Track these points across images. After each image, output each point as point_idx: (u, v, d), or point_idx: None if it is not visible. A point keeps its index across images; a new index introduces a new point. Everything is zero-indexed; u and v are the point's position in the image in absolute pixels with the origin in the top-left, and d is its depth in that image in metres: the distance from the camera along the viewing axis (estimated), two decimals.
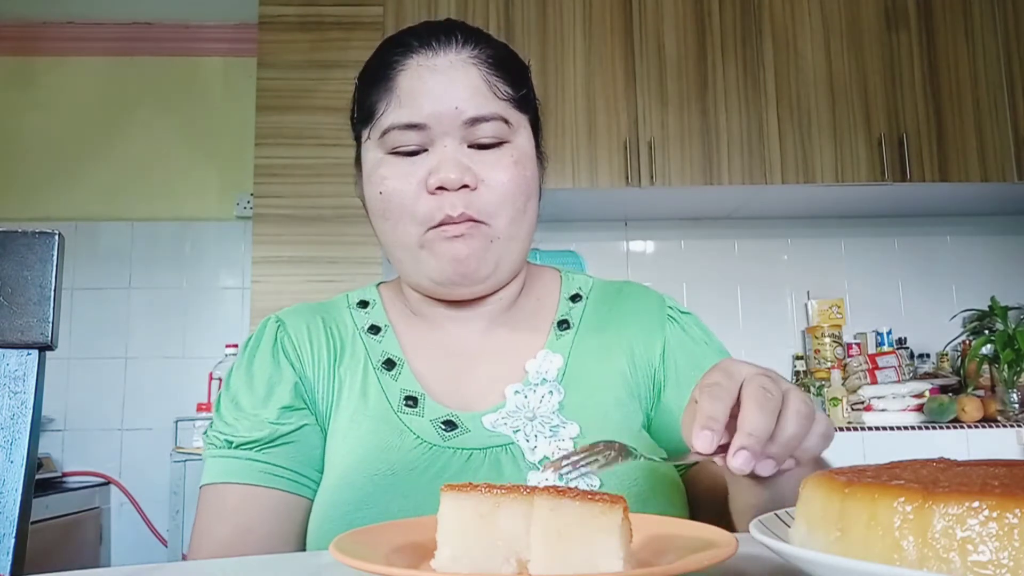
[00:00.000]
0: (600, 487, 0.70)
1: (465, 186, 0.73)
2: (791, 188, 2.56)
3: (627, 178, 2.50)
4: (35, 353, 0.76)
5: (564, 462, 0.55)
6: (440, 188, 0.73)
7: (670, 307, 0.84)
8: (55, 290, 0.76)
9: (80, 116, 2.93)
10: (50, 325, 0.76)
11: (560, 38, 2.57)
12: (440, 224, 0.74)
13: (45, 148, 2.91)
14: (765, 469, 0.52)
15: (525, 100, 0.80)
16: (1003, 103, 2.58)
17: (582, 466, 0.55)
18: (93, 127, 2.93)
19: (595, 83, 2.54)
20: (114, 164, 2.92)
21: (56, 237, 0.77)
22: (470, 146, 0.75)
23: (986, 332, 2.52)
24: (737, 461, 0.50)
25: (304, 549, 0.74)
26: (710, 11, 2.61)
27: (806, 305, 2.91)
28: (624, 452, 0.56)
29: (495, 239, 0.75)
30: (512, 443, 0.72)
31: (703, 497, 0.76)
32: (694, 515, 0.78)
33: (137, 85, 2.96)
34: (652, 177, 2.51)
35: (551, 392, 0.76)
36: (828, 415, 2.46)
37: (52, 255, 0.77)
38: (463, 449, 0.72)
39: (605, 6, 2.59)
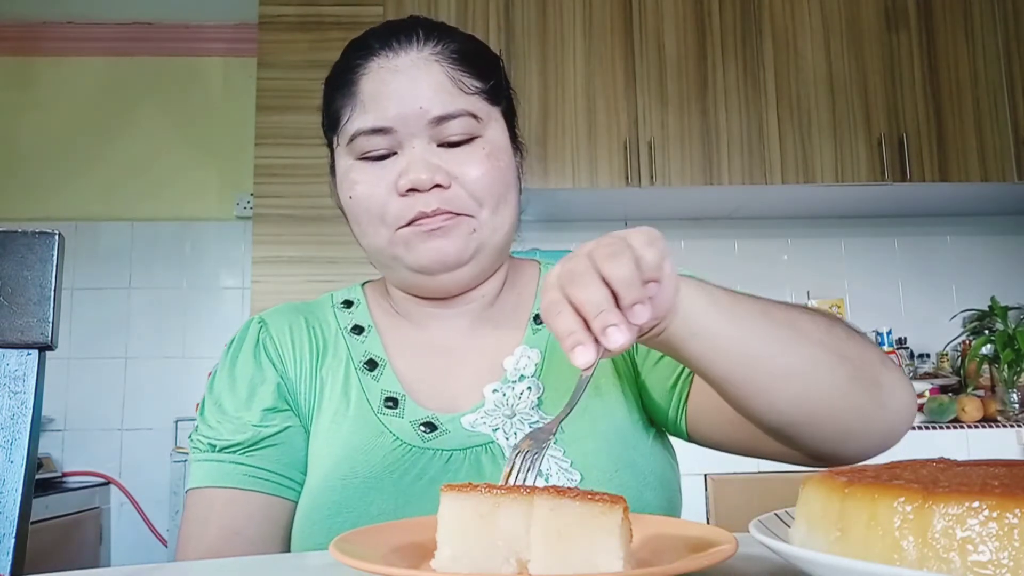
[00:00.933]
0: (581, 481, 0.69)
1: (438, 185, 0.72)
2: (791, 188, 2.56)
3: (627, 178, 2.50)
4: (35, 353, 0.76)
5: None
6: (411, 190, 0.72)
7: None
8: (55, 290, 0.76)
9: (80, 116, 2.93)
10: (50, 325, 0.76)
11: (560, 38, 2.57)
12: (412, 221, 0.72)
13: (45, 148, 2.91)
14: (641, 316, 0.49)
15: (495, 91, 0.77)
16: (1003, 103, 2.58)
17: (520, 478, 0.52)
18: (93, 127, 2.93)
19: (595, 83, 2.54)
20: (114, 164, 2.91)
21: (56, 237, 0.77)
22: (440, 144, 0.73)
23: (986, 332, 2.52)
24: (611, 339, 0.47)
25: (289, 551, 0.73)
26: (710, 11, 2.61)
27: (806, 305, 2.91)
28: (535, 443, 0.52)
29: (476, 229, 0.74)
30: (492, 442, 0.72)
31: (717, 421, 0.72)
32: (728, 445, 0.73)
33: (137, 85, 2.96)
34: (652, 177, 2.51)
35: (529, 388, 0.75)
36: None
37: (52, 255, 0.77)
38: (443, 450, 0.71)
39: (605, 6, 2.59)
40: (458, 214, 0.73)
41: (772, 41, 2.59)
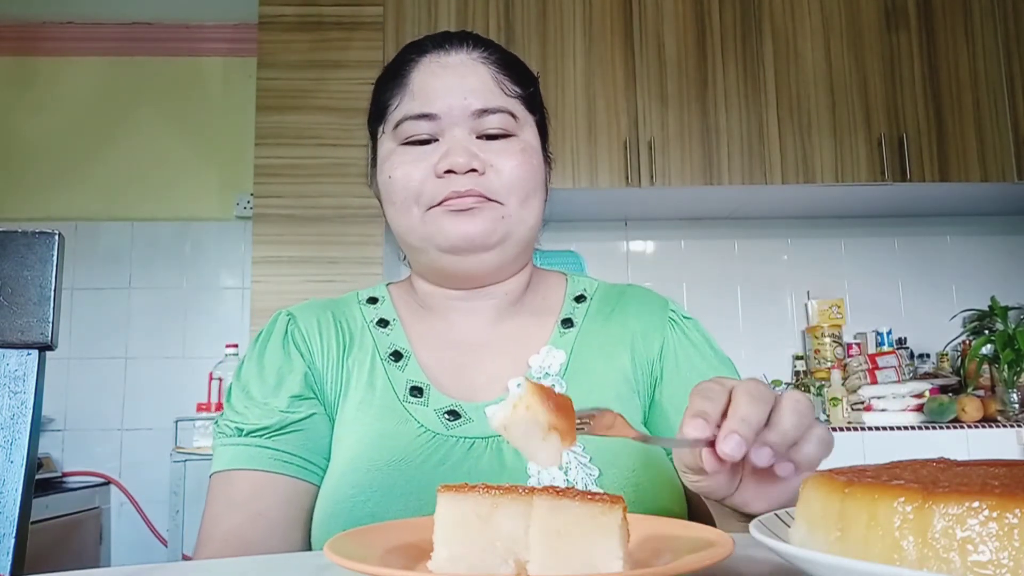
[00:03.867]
0: (599, 476, 0.70)
1: (473, 170, 0.76)
2: (791, 188, 2.56)
3: (627, 178, 2.50)
4: (35, 353, 0.76)
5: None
6: (448, 172, 0.76)
7: (672, 310, 0.86)
8: (55, 290, 0.76)
9: (80, 116, 2.93)
10: (50, 325, 0.76)
11: (560, 38, 2.57)
12: (445, 200, 0.76)
13: (45, 148, 2.91)
14: (761, 458, 0.50)
15: (531, 100, 0.84)
16: (1003, 103, 2.58)
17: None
18: (93, 127, 2.93)
19: (595, 83, 2.54)
20: (114, 164, 2.92)
21: (56, 237, 0.77)
22: (478, 137, 0.78)
23: (986, 332, 2.52)
24: (728, 444, 0.48)
25: (311, 537, 0.74)
26: (710, 11, 2.61)
27: (806, 305, 2.91)
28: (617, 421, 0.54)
29: (506, 216, 0.78)
30: None
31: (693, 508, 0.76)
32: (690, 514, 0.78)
33: (137, 85, 2.96)
34: (652, 177, 2.51)
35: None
36: (828, 417, 2.46)
37: (52, 255, 0.77)
38: (466, 438, 0.73)
39: (605, 6, 2.59)
40: (489, 199, 0.76)
41: (772, 41, 2.59)
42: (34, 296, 0.76)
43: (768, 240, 2.95)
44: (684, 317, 0.85)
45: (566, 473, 0.71)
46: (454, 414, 0.75)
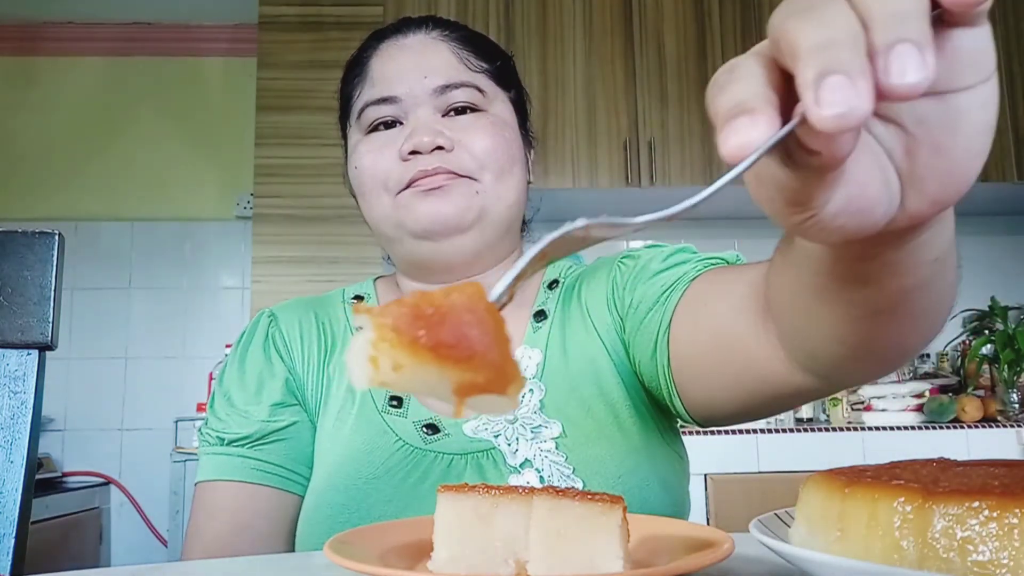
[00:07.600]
0: (583, 488, 0.68)
1: (440, 147, 0.73)
2: None
3: (627, 178, 2.50)
4: (35, 353, 0.76)
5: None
6: (413, 152, 0.73)
7: (621, 260, 0.77)
8: (55, 290, 0.76)
9: (80, 116, 2.93)
10: (50, 325, 0.76)
11: (560, 38, 2.57)
12: (413, 182, 0.73)
13: (45, 148, 2.91)
14: (910, 69, 0.25)
15: (501, 73, 0.80)
16: (1003, 103, 2.58)
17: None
18: (93, 127, 2.93)
19: (595, 83, 2.54)
20: (114, 164, 2.91)
21: (56, 237, 0.77)
22: (445, 115, 0.75)
23: (986, 332, 2.52)
24: (897, 62, 0.25)
25: (295, 546, 0.74)
26: (710, 11, 2.61)
27: None
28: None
29: (480, 191, 0.74)
30: (493, 448, 0.71)
31: (706, 387, 0.63)
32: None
33: (137, 85, 2.96)
34: (652, 177, 2.51)
35: (531, 391, 0.74)
36: (828, 417, 2.46)
37: (52, 255, 0.77)
38: (444, 454, 0.71)
39: (605, 6, 2.59)
40: (460, 175, 0.73)
41: None
42: (34, 296, 0.76)
43: (768, 240, 2.93)
44: (627, 255, 0.76)
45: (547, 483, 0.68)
46: (432, 428, 0.72)
